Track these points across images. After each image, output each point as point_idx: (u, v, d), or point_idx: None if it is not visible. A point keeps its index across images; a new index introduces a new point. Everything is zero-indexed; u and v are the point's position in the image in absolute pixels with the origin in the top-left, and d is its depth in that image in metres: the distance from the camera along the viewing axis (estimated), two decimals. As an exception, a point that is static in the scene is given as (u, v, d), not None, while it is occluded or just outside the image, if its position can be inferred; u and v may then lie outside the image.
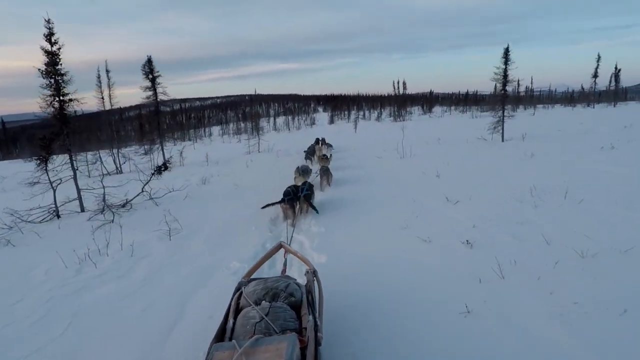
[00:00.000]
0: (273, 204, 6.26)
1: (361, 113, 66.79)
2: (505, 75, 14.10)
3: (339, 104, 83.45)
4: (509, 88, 14.20)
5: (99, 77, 17.17)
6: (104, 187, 7.70)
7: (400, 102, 43.00)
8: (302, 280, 2.89)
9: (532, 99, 46.17)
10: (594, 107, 36.11)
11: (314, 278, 2.92)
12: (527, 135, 14.67)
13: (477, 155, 11.50)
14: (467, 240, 4.42)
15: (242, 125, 46.74)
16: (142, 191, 8.28)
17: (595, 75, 35.46)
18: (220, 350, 1.95)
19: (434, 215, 5.73)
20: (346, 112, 73.69)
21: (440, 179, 8.32)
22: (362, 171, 10.63)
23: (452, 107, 62.83)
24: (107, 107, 17.85)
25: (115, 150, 16.76)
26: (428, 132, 20.36)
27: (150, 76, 16.16)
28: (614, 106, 35.82)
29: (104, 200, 7.45)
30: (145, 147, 17.63)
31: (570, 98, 48.46)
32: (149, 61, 15.92)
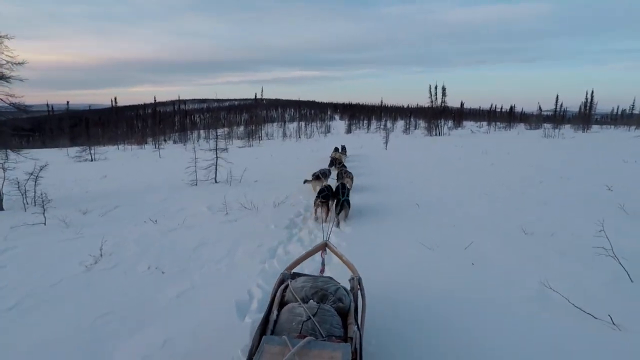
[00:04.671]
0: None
1: (381, 124, 56.95)
2: None
3: (356, 113, 74.72)
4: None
5: None
6: None
7: (436, 114, 33.08)
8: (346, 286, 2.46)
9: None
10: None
11: (359, 286, 2.49)
12: None
13: None
14: None
15: (249, 128, 37.53)
16: None
17: None
18: (271, 344, 1.75)
19: None
20: (365, 122, 64.45)
21: None
22: None
23: (483, 123, 53.50)
24: None
25: None
26: (543, 163, 10.47)
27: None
28: None
29: None
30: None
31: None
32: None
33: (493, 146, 17.39)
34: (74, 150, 20.69)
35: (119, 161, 18.43)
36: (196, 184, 8.90)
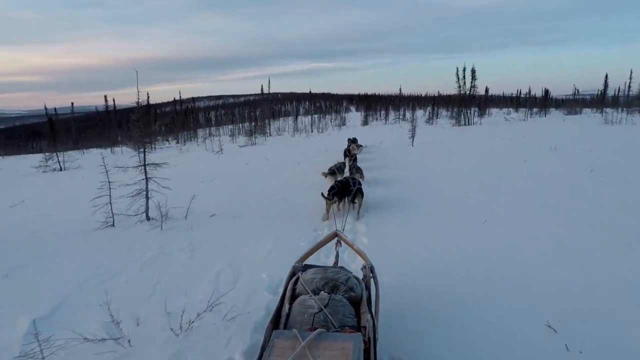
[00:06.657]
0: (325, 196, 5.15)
1: (400, 114, 52.14)
2: None
3: (373, 104, 69.96)
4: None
5: None
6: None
7: (465, 101, 28.40)
8: (358, 275, 2.45)
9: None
10: None
11: (372, 275, 2.47)
12: None
13: None
14: None
15: (252, 125, 33.66)
16: None
17: None
18: (282, 338, 1.68)
19: None
20: (382, 112, 59.66)
21: None
22: None
23: (510, 109, 48.45)
24: None
25: None
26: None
27: None
28: None
29: None
30: None
31: None
32: None
33: (559, 139, 12.92)
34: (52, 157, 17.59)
35: (90, 170, 15.16)
36: (113, 225, 5.27)
